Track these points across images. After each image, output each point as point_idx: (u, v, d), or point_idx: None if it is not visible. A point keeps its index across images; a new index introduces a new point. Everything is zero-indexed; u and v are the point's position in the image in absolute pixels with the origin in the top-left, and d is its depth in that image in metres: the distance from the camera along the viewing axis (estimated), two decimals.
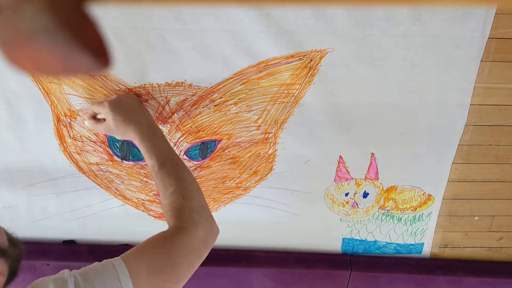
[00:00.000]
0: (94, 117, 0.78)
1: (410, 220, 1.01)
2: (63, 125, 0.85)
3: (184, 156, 0.88)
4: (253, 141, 0.88)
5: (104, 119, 0.76)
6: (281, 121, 0.86)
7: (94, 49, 0.22)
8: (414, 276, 1.04)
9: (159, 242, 0.65)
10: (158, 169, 0.70)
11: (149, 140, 0.72)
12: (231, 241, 1.04)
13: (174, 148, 0.87)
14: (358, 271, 1.04)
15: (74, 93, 0.81)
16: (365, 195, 0.97)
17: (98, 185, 0.93)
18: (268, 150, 0.90)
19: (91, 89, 0.80)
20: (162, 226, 0.99)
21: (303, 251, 1.05)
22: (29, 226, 0.99)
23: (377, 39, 0.76)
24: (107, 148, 0.88)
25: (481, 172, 0.95)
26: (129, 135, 0.74)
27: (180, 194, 0.68)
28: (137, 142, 0.73)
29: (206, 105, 0.83)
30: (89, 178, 0.92)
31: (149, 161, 0.72)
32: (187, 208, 0.67)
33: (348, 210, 0.99)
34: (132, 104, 0.78)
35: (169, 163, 0.71)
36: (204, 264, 1.03)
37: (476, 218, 1.02)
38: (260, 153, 0.90)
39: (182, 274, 0.64)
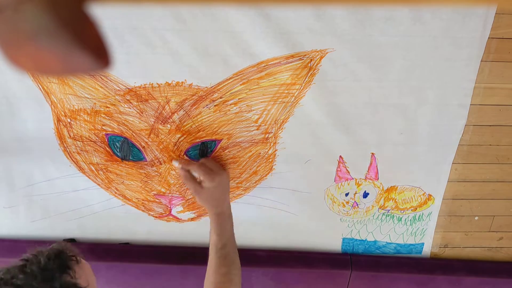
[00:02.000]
0: (187, 169, 0.83)
1: (410, 220, 1.01)
2: (63, 125, 0.85)
3: (184, 156, 0.88)
4: (253, 141, 0.88)
5: (200, 181, 0.81)
6: (281, 121, 0.86)
7: (94, 49, 0.22)
8: (414, 276, 1.04)
9: None
10: (220, 248, 0.79)
11: (224, 220, 0.81)
12: None
13: (174, 148, 0.87)
14: (358, 270, 1.04)
15: (74, 93, 0.81)
16: (365, 195, 0.97)
17: (98, 185, 0.93)
18: (268, 150, 0.90)
19: (91, 89, 0.80)
20: (162, 226, 0.99)
21: (303, 251, 1.05)
22: (29, 226, 0.99)
23: (377, 39, 0.76)
24: (107, 148, 0.88)
25: (481, 172, 0.95)
26: (211, 209, 0.81)
27: (229, 279, 0.77)
28: (213, 217, 0.81)
29: (206, 105, 0.83)
30: (89, 178, 0.92)
31: (214, 237, 0.80)
32: None
33: (348, 210, 0.99)
34: (227, 186, 0.85)
35: (229, 247, 0.80)
36: (204, 263, 1.03)
37: (476, 218, 1.02)
38: (260, 153, 0.90)
39: None
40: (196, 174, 0.83)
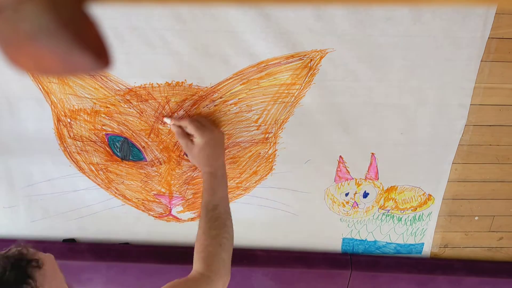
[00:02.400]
0: (179, 125, 0.80)
1: (410, 220, 1.01)
2: (63, 125, 0.85)
3: (184, 156, 0.88)
4: (253, 141, 0.88)
5: (191, 137, 0.79)
6: (281, 121, 0.86)
7: (94, 49, 0.22)
8: (414, 276, 1.04)
9: (182, 284, 0.69)
10: (211, 209, 0.75)
11: (216, 180, 0.77)
12: None
13: (174, 148, 0.87)
14: (358, 270, 1.04)
15: (74, 93, 0.81)
16: (365, 195, 0.97)
17: (98, 185, 0.93)
18: (268, 150, 0.90)
19: (91, 89, 0.80)
20: (162, 226, 0.99)
21: (303, 251, 1.05)
22: (29, 226, 0.99)
23: (377, 39, 0.76)
24: (107, 148, 0.88)
25: (481, 172, 0.95)
26: (203, 167, 0.78)
27: (219, 242, 0.73)
28: (205, 176, 0.77)
29: (206, 105, 0.83)
30: (89, 178, 0.92)
31: (206, 197, 0.76)
32: (219, 258, 0.72)
33: (348, 210, 0.99)
34: (221, 144, 0.82)
35: (222, 208, 0.76)
36: None
37: (476, 218, 1.02)
38: (260, 153, 0.90)
39: None
40: (188, 130, 0.80)
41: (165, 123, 0.84)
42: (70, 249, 1.01)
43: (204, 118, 0.83)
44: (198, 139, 0.77)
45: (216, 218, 0.74)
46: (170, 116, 0.83)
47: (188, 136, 0.79)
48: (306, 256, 1.05)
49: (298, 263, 1.04)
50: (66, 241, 1.00)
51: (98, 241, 1.02)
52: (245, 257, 1.04)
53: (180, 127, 0.80)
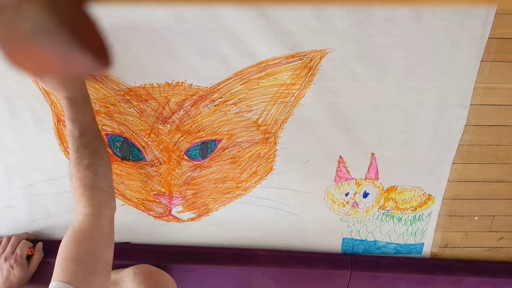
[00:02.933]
0: None
1: (410, 220, 1.01)
2: (63, 125, 0.85)
3: (184, 156, 0.88)
4: (253, 141, 0.88)
5: None
6: (281, 121, 0.86)
7: (94, 49, 0.22)
8: (414, 276, 1.04)
9: (77, 241, 0.65)
10: (77, 136, 0.68)
11: (78, 104, 0.70)
12: (231, 241, 1.04)
13: (174, 148, 0.87)
14: (358, 270, 1.04)
15: None
16: (365, 195, 0.97)
17: None
18: (268, 150, 0.90)
19: (91, 89, 0.80)
20: (162, 225, 0.99)
21: (303, 251, 1.05)
22: (29, 226, 0.99)
23: (377, 39, 0.76)
24: (107, 148, 0.88)
25: (481, 172, 0.95)
26: (60, 92, 0.70)
27: (94, 171, 0.67)
28: (64, 101, 0.70)
29: (206, 105, 0.83)
30: None
31: (69, 125, 0.69)
32: (98, 189, 0.67)
33: (348, 210, 0.99)
34: None
35: (89, 135, 0.69)
36: (204, 262, 1.03)
37: (476, 218, 1.02)
38: (260, 153, 0.90)
39: (105, 260, 0.66)
40: None
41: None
42: None
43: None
44: None
45: (85, 145, 0.68)
46: None
47: None
48: (306, 256, 1.05)
49: (298, 263, 1.04)
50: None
51: None
52: (245, 256, 1.04)
53: None
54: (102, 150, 0.70)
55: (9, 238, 0.93)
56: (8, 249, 0.90)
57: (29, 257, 0.93)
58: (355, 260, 1.05)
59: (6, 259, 0.88)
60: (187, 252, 1.03)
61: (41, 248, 0.95)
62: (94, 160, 0.68)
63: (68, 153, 0.89)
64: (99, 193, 0.67)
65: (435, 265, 1.06)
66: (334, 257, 1.05)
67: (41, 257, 0.94)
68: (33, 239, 0.97)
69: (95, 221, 0.66)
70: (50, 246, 1.01)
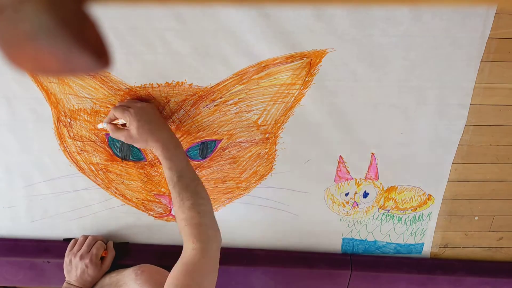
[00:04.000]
0: (111, 121, 0.78)
1: (410, 220, 1.01)
2: (63, 125, 0.85)
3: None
4: (253, 141, 0.88)
5: (124, 126, 0.77)
6: (281, 121, 0.86)
7: (94, 49, 0.22)
8: (414, 276, 1.04)
9: (186, 272, 0.68)
10: (176, 181, 0.73)
11: (170, 151, 0.74)
12: (231, 241, 1.04)
13: None
14: (358, 270, 1.04)
15: (74, 93, 0.81)
16: (365, 195, 0.97)
17: (98, 185, 0.93)
18: (268, 150, 0.90)
19: (91, 89, 0.80)
20: (162, 225, 0.99)
21: (303, 251, 1.05)
22: (29, 226, 0.99)
23: (377, 39, 0.76)
24: (107, 148, 0.88)
25: (481, 172, 0.95)
26: (152, 144, 0.75)
27: (197, 210, 0.71)
28: (158, 152, 0.74)
29: (206, 105, 0.83)
30: (89, 178, 0.92)
31: (168, 172, 0.74)
32: (203, 226, 0.71)
33: (348, 210, 0.99)
34: (156, 114, 0.78)
35: (187, 176, 0.74)
36: None
37: (476, 218, 1.02)
38: (260, 153, 0.90)
39: None
40: (119, 119, 0.78)
41: (102, 129, 0.84)
42: None
43: (127, 100, 0.80)
44: (130, 123, 0.75)
45: (186, 188, 0.72)
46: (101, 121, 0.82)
47: (122, 129, 0.77)
48: (306, 256, 1.05)
49: (298, 262, 1.04)
50: (66, 240, 1.00)
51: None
52: (245, 256, 1.04)
53: (112, 123, 0.78)
54: (200, 189, 0.75)
55: (85, 237, 0.96)
56: (84, 247, 0.92)
57: (102, 258, 0.94)
58: (355, 260, 1.05)
59: (81, 257, 0.91)
60: None
61: (112, 247, 0.97)
62: (195, 200, 0.72)
63: (68, 154, 0.89)
64: (205, 229, 0.71)
65: (435, 265, 1.06)
66: (334, 257, 1.05)
67: (113, 256, 0.96)
68: (106, 241, 0.98)
69: (204, 255, 0.69)
70: (47, 245, 1.01)
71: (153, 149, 0.75)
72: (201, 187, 0.75)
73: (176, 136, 0.79)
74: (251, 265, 1.02)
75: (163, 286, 0.69)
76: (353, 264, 1.04)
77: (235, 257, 1.03)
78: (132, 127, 0.74)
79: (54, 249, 1.00)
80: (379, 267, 1.05)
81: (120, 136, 0.77)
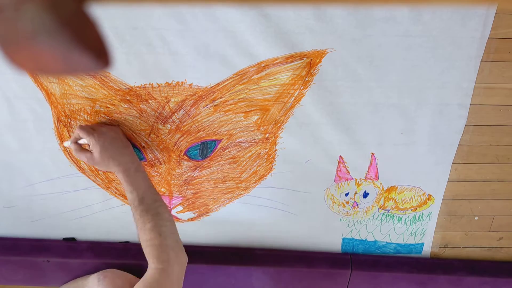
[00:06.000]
0: (76, 141, 0.80)
1: (410, 220, 1.01)
2: (63, 125, 0.85)
3: (184, 156, 0.88)
4: (253, 141, 0.88)
5: (88, 147, 0.78)
6: (281, 121, 0.86)
7: (94, 49, 0.22)
8: (414, 276, 1.04)
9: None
10: (138, 204, 0.74)
11: (131, 175, 0.76)
12: (231, 241, 1.04)
13: (174, 148, 0.87)
14: (358, 270, 1.04)
15: (74, 93, 0.81)
16: (365, 195, 0.97)
17: (98, 185, 0.93)
18: (268, 150, 0.90)
19: (91, 89, 0.80)
20: None
21: (303, 250, 1.05)
22: (29, 226, 0.99)
23: (377, 39, 0.76)
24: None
25: (481, 172, 0.95)
26: (113, 168, 0.77)
27: (158, 232, 0.73)
28: (119, 175, 0.76)
29: (206, 105, 0.83)
30: (89, 178, 0.92)
31: (129, 195, 0.76)
32: (164, 247, 0.72)
33: (348, 210, 0.99)
34: (119, 139, 0.80)
35: (148, 198, 0.75)
36: (204, 262, 1.03)
37: (476, 218, 1.02)
38: (260, 153, 0.90)
39: None
40: (82, 140, 0.79)
41: (68, 147, 0.85)
42: (70, 247, 1.01)
43: (95, 123, 0.83)
44: (93, 146, 0.76)
45: (147, 210, 0.74)
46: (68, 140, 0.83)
47: (85, 150, 0.79)
48: (306, 256, 1.05)
49: (298, 262, 1.04)
50: (66, 240, 1.01)
51: (99, 240, 1.02)
52: (245, 257, 1.04)
53: (76, 143, 0.79)
54: (162, 211, 0.75)
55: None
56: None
57: None
58: (355, 259, 1.05)
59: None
60: (187, 252, 1.03)
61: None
62: (157, 222, 0.73)
63: (68, 155, 0.89)
64: (166, 250, 0.72)
65: (436, 264, 1.06)
66: (334, 256, 1.05)
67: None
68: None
69: (164, 276, 0.70)
70: (47, 245, 1.01)
71: (114, 172, 0.77)
72: (163, 209, 0.76)
73: (137, 159, 0.80)
74: (251, 264, 1.02)
75: None
76: (353, 264, 1.04)
77: (235, 257, 1.04)
78: (95, 150, 0.76)
79: (54, 248, 1.00)
80: (379, 266, 1.05)
81: (83, 158, 0.79)
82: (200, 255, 1.02)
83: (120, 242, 1.02)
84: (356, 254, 1.06)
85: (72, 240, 1.02)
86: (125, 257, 1.00)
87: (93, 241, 1.02)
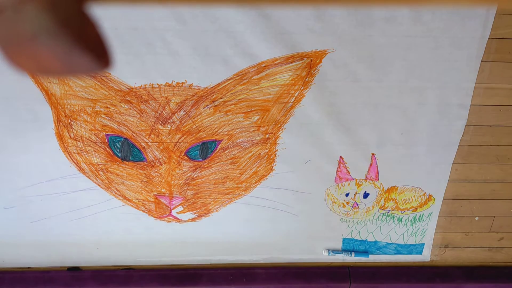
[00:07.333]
0: None
1: (411, 220, 1.01)
2: (63, 125, 0.85)
3: (185, 156, 0.88)
4: (253, 141, 0.88)
5: None
6: (281, 121, 0.86)
7: (94, 49, 0.22)
8: (413, 286, 1.04)
9: None
10: None
11: None
12: (230, 241, 1.04)
13: (175, 148, 0.87)
14: (357, 283, 1.04)
15: (74, 93, 0.81)
16: (366, 195, 0.97)
17: (98, 185, 0.93)
18: (269, 150, 0.90)
19: (92, 89, 0.80)
20: (162, 226, 0.99)
21: (301, 266, 1.05)
22: (29, 226, 0.99)
23: (377, 40, 0.76)
24: (108, 149, 0.88)
25: (481, 173, 0.95)
26: None
27: None
28: None
29: (206, 105, 0.83)
30: (89, 178, 0.92)
31: None
32: None
33: (349, 211, 0.99)
34: None
35: None
36: (205, 284, 1.04)
37: (477, 218, 1.02)
38: (260, 153, 0.90)
39: None
40: None
41: None
42: (74, 277, 1.02)
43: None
44: None
45: None
46: None
47: None
48: (305, 271, 1.05)
49: (297, 278, 1.04)
50: (70, 270, 1.01)
51: (102, 265, 1.02)
52: (245, 275, 1.04)
53: None
54: None
55: None
56: None
57: None
58: (353, 272, 1.05)
59: None
60: (188, 274, 1.03)
61: None
62: None
63: (69, 154, 0.89)
64: None
65: (434, 273, 1.06)
66: (332, 270, 1.05)
67: None
68: None
69: None
70: (52, 276, 1.01)
71: None
72: None
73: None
74: (251, 283, 1.03)
75: None
76: (351, 277, 1.04)
77: (234, 277, 1.04)
78: None
79: (58, 279, 1.01)
80: (378, 278, 1.05)
81: None
82: (201, 276, 1.03)
83: (123, 268, 1.02)
84: (354, 267, 1.06)
85: (76, 269, 1.03)
86: (129, 283, 1.00)
87: (96, 269, 1.03)
